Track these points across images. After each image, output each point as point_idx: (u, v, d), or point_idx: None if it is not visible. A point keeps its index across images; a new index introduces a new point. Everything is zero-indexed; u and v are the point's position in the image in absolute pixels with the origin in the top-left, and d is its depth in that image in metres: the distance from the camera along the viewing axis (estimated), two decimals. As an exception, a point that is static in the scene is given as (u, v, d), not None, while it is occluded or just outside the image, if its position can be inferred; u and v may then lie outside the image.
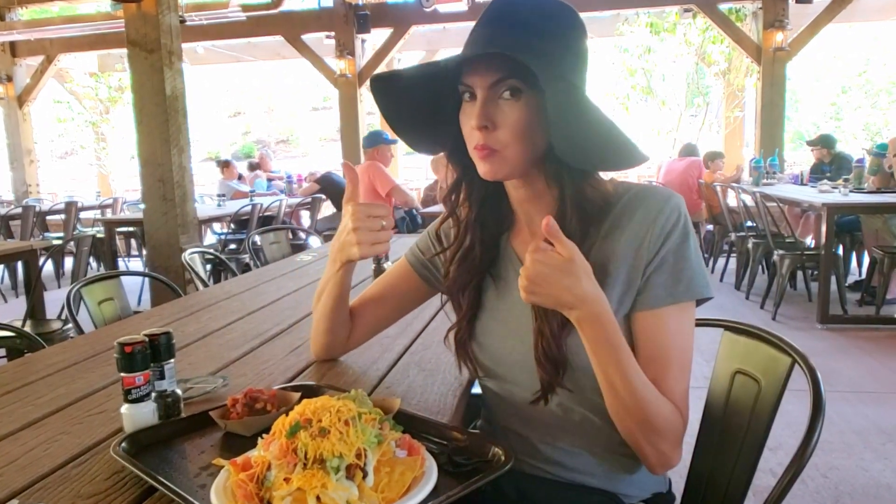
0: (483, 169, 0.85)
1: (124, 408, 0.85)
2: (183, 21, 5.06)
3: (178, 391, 0.91)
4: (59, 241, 5.23)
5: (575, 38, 0.83)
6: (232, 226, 5.60)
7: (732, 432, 1.01)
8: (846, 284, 4.40)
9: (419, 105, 0.89)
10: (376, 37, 7.61)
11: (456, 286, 0.97)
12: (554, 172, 0.85)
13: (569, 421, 0.90)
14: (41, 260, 3.88)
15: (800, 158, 7.42)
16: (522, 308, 0.88)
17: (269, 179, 7.71)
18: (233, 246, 5.48)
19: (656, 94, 9.46)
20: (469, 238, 0.96)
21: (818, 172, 5.73)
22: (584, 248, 0.82)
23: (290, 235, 4.74)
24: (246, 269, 4.18)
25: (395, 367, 1.17)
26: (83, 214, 7.36)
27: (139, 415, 0.85)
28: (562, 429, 0.91)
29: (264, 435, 0.70)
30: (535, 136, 0.83)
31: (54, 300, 4.23)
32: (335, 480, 0.62)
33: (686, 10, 7.58)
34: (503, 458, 0.73)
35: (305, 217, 6.88)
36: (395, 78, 0.87)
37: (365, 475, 0.65)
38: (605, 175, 0.89)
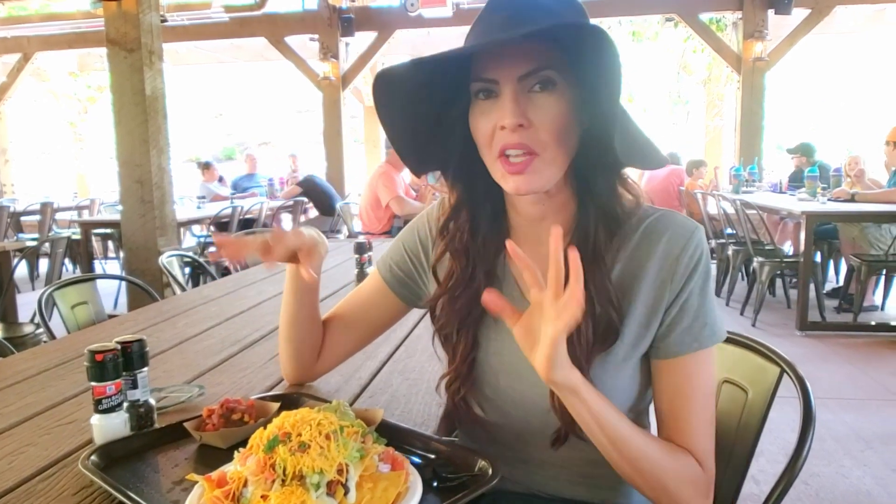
0: (516, 182, 0.72)
1: (94, 418, 0.81)
2: (164, 20, 4.98)
3: (152, 401, 0.88)
4: (34, 243, 5.11)
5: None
6: (212, 228, 5.52)
7: (720, 442, 0.99)
8: (824, 291, 4.46)
9: (424, 111, 0.76)
10: (360, 40, 7.57)
11: (452, 323, 0.82)
12: (583, 179, 0.76)
13: (575, 462, 0.81)
14: (14, 261, 3.79)
15: (778, 166, 7.55)
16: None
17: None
18: (212, 249, 5.38)
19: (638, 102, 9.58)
20: (470, 266, 0.82)
21: (797, 180, 5.81)
22: (610, 265, 0.75)
23: (272, 239, 4.66)
24: (225, 272, 4.11)
25: (378, 375, 1.15)
26: (59, 215, 7.20)
27: (110, 426, 0.81)
28: (566, 469, 0.82)
29: (241, 448, 0.67)
30: (571, 135, 0.73)
31: (28, 303, 4.12)
32: (315, 497, 0.60)
33: (668, 20, 7.68)
34: (490, 472, 0.71)
35: (287, 220, 6.80)
36: (404, 76, 0.72)
37: (347, 491, 0.62)
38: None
